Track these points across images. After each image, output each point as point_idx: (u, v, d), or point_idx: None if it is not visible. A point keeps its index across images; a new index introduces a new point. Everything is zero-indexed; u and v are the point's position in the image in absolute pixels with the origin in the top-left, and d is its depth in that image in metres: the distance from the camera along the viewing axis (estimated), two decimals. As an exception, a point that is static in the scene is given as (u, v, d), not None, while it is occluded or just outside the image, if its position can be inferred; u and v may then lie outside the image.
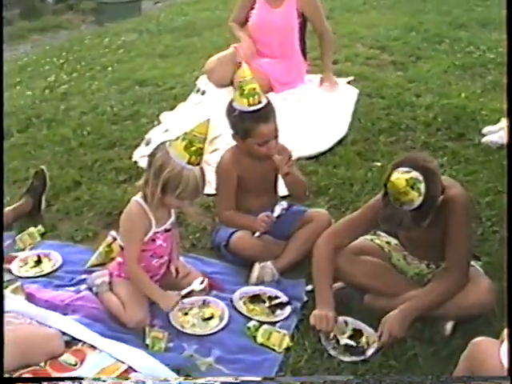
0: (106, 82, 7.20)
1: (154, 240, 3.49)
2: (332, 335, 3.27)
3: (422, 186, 3.04)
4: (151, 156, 3.39)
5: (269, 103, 3.85)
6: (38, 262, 3.98)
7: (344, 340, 3.25)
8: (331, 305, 3.33)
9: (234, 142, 4.04)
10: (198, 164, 3.33)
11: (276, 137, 3.88)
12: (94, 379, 2.92)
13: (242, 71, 3.88)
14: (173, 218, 3.59)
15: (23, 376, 2.91)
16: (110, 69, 7.72)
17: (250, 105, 3.76)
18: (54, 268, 3.93)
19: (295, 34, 6.07)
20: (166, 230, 3.55)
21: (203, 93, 6.37)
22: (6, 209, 4.35)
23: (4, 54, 10.10)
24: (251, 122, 3.77)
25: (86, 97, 6.78)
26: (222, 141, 5.14)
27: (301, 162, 4.89)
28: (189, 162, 3.28)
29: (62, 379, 2.86)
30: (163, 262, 3.61)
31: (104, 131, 5.75)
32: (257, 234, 3.87)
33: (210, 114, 5.59)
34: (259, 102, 3.78)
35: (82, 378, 2.90)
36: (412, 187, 3.02)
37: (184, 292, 3.44)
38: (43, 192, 4.52)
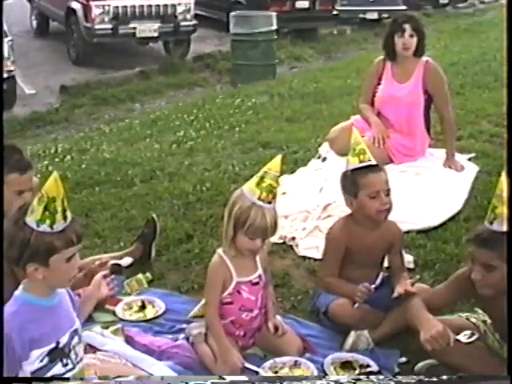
0: (232, 142, 7.45)
1: (239, 292, 3.62)
2: None
3: None
4: None
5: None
6: (142, 307, 4.18)
7: None
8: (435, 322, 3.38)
9: (347, 210, 4.16)
10: (270, 203, 3.45)
11: (388, 191, 3.99)
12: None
13: (353, 135, 4.06)
14: (260, 271, 3.71)
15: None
16: (237, 129, 7.98)
17: (360, 161, 3.93)
18: (157, 315, 4.11)
19: (420, 109, 6.16)
20: (253, 283, 3.67)
21: (324, 159, 6.52)
22: (117, 253, 4.60)
23: (139, 107, 10.69)
24: (361, 174, 3.93)
25: (210, 154, 7.04)
26: (336, 208, 5.25)
27: (411, 235, 4.95)
28: (259, 198, 3.42)
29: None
30: (254, 316, 3.71)
31: (223, 189, 5.95)
32: (356, 305, 3.93)
33: (327, 180, 5.81)
34: (369, 160, 3.94)
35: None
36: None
37: (247, 365, 3.53)
38: (153, 240, 4.73)
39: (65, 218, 2.75)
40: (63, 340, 2.91)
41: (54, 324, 2.88)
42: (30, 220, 2.72)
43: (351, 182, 3.98)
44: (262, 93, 9.96)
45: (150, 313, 4.14)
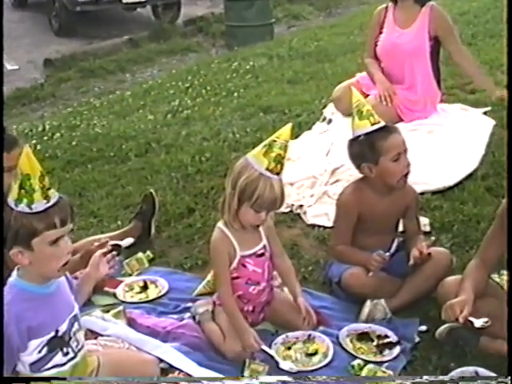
0: (231, 108, 7.43)
1: (244, 266, 3.61)
2: None
3: None
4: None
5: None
6: (144, 287, 4.19)
7: None
8: (465, 293, 3.40)
9: (355, 173, 4.14)
10: (278, 174, 3.40)
11: (406, 152, 3.95)
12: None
13: (354, 96, 3.97)
14: (264, 242, 3.68)
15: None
16: (235, 94, 7.94)
17: (372, 124, 3.86)
18: (160, 295, 4.12)
19: (426, 57, 6.07)
20: (258, 255, 3.65)
21: (329, 122, 6.48)
22: (114, 233, 4.60)
23: (130, 77, 10.62)
24: (380, 138, 3.86)
25: (208, 122, 7.02)
26: (345, 171, 5.24)
27: (426, 197, 4.93)
28: (267, 169, 3.36)
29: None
30: (261, 289, 3.69)
31: (223, 158, 5.94)
32: (371, 273, 3.92)
33: (334, 144, 5.79)
34: (379, 122, 3.89)
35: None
36: None
37: (264, 348, 3.51)
38: (152, 217, 4.73)
39: (46, 197, 2.71)
40: (62, 328, 2.91)
41: (52, 312, 2.88)
42: (10, 200, 2.70)
43: (369, 147, 3.88)
44: (260, 55, 9.89)
45: (152, 293, 4.15)
